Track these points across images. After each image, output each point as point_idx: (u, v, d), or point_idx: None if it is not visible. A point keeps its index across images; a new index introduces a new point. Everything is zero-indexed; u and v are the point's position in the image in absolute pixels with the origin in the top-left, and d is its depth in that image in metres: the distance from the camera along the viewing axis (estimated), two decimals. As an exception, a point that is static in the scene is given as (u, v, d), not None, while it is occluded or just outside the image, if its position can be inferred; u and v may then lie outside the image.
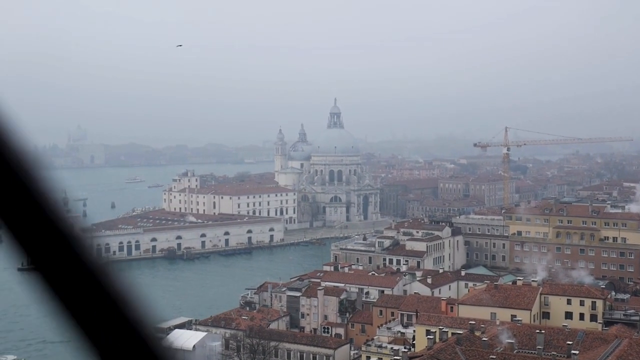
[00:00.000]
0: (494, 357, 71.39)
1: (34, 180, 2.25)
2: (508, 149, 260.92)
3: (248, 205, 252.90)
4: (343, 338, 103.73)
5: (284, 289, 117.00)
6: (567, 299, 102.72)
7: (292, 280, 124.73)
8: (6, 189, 2.22)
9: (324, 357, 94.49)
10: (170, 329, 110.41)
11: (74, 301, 2.28)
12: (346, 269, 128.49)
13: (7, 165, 2.20)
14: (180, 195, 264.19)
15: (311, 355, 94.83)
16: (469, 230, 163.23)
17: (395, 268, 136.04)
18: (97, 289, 2.30)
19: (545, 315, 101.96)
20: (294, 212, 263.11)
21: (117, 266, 2.32)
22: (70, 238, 2.34)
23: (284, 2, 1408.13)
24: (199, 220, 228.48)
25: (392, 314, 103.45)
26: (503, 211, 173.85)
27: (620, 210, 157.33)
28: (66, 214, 2.39)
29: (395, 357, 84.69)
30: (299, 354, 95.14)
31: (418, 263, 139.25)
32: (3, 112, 2.23)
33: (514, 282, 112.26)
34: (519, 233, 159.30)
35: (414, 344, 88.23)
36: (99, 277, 2.32)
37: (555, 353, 76.66)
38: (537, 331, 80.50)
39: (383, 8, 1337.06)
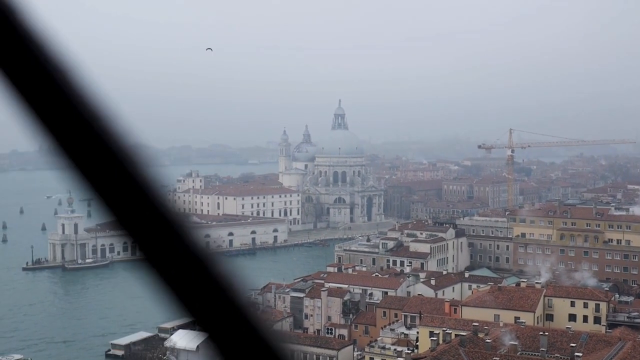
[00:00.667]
0: (497, 359, 71.51)
1: (143, 175, 2.37)
2: (512, 151, 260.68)
3: (252, 206, 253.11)
4: (346, 339, 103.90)
5: (287, 289, 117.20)
6: (571, 301, 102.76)
7: (295, 281, 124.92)
8: (118, 184, 2.35)
9: (327, 358, 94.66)
10: (174, 329, 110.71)
11: (183, 289, 2.38)
12: (350, 270, 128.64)
13: (118, 162, 2.34)
14: (184, 195, 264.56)
15: (314, 356, 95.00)
16: (473, 232, 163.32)
17: (398, 269, 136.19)
18: (205, 276, 2.40)
19: (549, 317, 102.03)
20: (298, 213, 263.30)
21: (222, 255, 2.45)
22: (179, 230, 2.41)
23: (288, 2, 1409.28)
24: (203, 221, 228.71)
25: (396, 315, 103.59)
26: (507, 213, 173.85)
27: (624, 213, 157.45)
28: (174, 208, 2.45)
29: (399, 359, 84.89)
30: (302, 354, 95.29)
31: (422, 264, 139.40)
32: (114, 111, 2.39)
33: (518, 284, 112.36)
34: (523, 235, 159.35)
35: (417, 345, 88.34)
36: (207, 265, 2.42)
37: (558, 355, 76.77)
38: (541, 333, 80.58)
39: (387, 9, 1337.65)
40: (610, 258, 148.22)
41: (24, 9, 2.27)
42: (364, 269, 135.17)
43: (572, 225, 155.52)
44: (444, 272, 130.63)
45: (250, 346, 2.48)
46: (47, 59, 2.28)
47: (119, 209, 2.40)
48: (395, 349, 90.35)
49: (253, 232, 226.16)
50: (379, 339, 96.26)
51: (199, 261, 2.42)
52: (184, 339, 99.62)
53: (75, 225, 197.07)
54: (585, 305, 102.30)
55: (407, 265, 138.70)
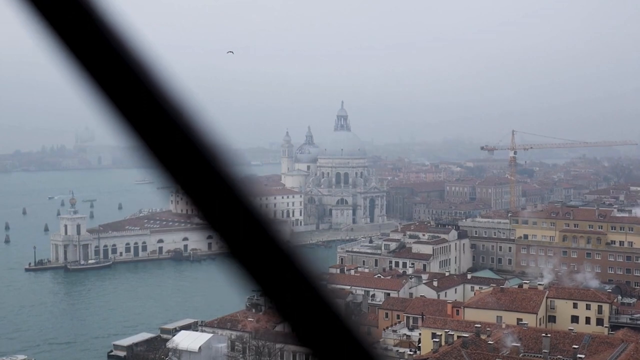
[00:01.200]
0: (500, 360, 71.52)
1: (231, 175, 2.40)
2: (515, 153, 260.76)
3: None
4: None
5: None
6: (573, 303, 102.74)
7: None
8: (206, 183, 2.38)
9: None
10: (176, 330, 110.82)
11: (269, 281, 2.41)
12: (352, 272, 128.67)
13: (206, 161, 2.37)
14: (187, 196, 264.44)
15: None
16: (475, 234, 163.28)
17: (401, 271, 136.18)
18: (290, 270, 2.43)
19: (551, 318, 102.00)
20: (301, 215, 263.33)
21: (305, 250, 2.50)
22: (265, 225, 2.43)
23: (291, 5, 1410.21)
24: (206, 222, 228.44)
25: (398, 316, 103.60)
26: (509, 214, 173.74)
27: (626, 214, 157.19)
28: (260, 206, 2.47)
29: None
30: (304, 356, 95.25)
31: (424, 266, 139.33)
32: (200, 113, 2.42)
33: (520, 286, 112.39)
34: (525, 236, 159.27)
35: (420, 346, 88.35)
36: (292, 260, 2.43)
37: (561, 357, 76.77)
38: (543, 335, 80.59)
39: (390, 11, 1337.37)
40: (612, 260, 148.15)
41: (106, 6, 2.30)
42: (367, 270, 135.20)
43: (575, 226, 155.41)
44: (447, 274, 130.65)
45: (335, 338, 2.44)
46: (130, 56, 2.30)
47: (205, 204, 2.41)
48: (397, 351, 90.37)
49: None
50: (381, 340, 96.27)
51: (283, 254, 2.41)
52: (186, 340, 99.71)
53: (78, 226, 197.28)
54: (588, 307, 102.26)
55: (410, 267, 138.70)
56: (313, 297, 2.43)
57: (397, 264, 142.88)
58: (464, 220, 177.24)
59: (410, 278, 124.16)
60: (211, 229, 2.39)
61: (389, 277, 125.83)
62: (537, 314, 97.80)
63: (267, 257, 2.39)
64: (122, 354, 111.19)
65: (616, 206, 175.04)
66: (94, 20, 2.27)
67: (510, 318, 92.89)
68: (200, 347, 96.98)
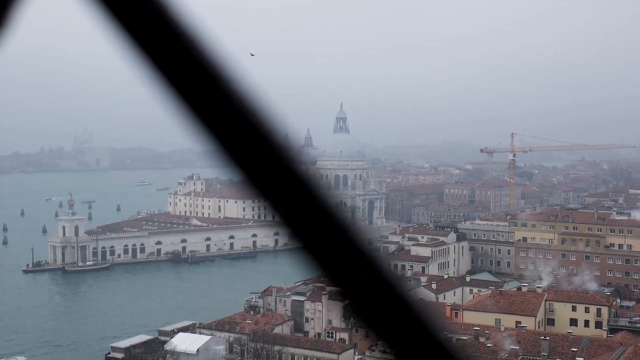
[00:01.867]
0: (498, 363, 71.36)
1: (300, 171, 2.41)
2: (514, 155, 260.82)
3: (253, 209, 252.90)
4: (347, 343, 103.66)
5: (288, 293, 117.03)
6: (572, 306, 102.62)
7: (296, 284, 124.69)
8: (276, 180, 2.39)
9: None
10: (175, 332, 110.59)
11: (338, 272, 2.40)
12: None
13: (277, 158, 2.38)
14: (185, 198, 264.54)
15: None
16: (474, 236, 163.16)
17: (400, 273, 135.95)
18: (369, 269, 2.41)
19: (550, 321, 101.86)
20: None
21: (369, 239, 2.49)
22: (337, 220, 2.44)
23: (291, 6, 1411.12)
24: (204, 224, 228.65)
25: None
26: (508, 217, 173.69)
27: (626, 217, 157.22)
28: (331, 199, 2.50)
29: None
30: (302, 358, 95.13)
31: (423, 268, 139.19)
32: (270, 111, 2.41)
33: (519, 289, 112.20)
34: (524, 239, 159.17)
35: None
36: (370, 258, 2.40)
37: (559, 360, 76.61)
38: (542, 338, 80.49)
39: (390, 12, 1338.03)
40: (611, 263, 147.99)
41: (176, 5, 2.25)
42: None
43: (574, 229, 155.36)
44: (445, 276, 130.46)
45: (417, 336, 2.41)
46: (202, 56, 2.25)
47: (279, 202, 2.38)
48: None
49: (254, 236, 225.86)
50: (380, 342, 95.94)
51: (361, 253, 2.39)
52: (185, 342, 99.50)
53: (76, 228, 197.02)
54: (587, 310, 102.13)
55: (408, 269, 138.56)
56: (395, 296, 2.40)
57: (395, 266, 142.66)
58: (463, 223, 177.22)
59: (409, 280, 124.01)
60: (287, 226, 2.35)
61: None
62: (535, 316, 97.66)
63: (344, 255, 2.36)
64: (119, 356, 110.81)
65: (615, 209, 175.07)
66: (167, 22, 2.21)
67: (509, 321, 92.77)
68: (198, 349, 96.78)
